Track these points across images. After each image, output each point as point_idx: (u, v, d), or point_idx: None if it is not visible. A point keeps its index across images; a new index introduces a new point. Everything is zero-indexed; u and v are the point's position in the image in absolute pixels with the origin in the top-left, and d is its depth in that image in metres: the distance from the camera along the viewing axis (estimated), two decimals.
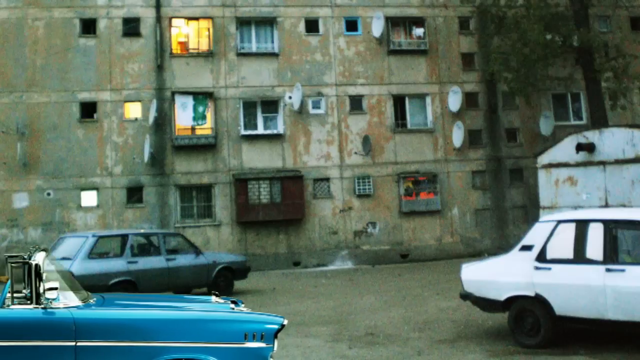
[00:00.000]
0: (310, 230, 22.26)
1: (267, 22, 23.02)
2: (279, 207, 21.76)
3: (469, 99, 23.84)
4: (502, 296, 9.00)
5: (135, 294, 7.49)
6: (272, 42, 23.04)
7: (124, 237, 14.82)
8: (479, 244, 23.15)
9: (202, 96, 22.08)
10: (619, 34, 24.38)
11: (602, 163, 15.86)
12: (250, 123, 22.56)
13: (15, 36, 21.42)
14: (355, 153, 22.81)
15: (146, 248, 15.22)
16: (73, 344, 5.50)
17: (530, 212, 22.50)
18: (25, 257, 5.83)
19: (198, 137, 21.95)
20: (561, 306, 8.44)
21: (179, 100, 21.91)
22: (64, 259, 13.76)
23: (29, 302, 5.69)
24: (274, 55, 22.83)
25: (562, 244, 8.61)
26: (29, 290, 5.74)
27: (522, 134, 24.11)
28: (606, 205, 15.51)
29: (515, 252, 9.16)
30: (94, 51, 21.77)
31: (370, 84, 23.25)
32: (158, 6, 22.19)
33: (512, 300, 8.91)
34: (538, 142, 23.24)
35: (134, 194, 21.58)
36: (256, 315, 6.15)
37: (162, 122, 21.81)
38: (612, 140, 15.78)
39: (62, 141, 21.29)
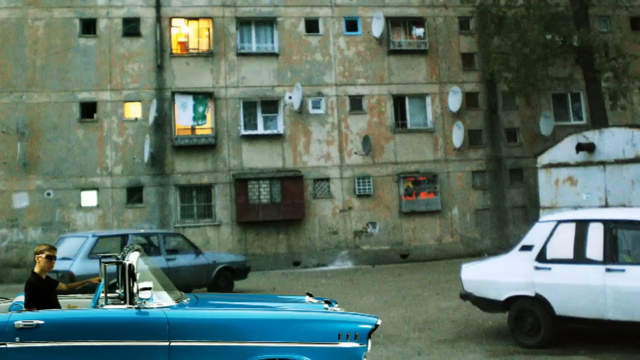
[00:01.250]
0: (310, 230, 22.27)
1: (267, 22, 23.02)
2: (279, 207, 21.76)
3: (469, 99, 23.84)
4: (502, 296, 9.00)
5: (228, 293, 7.38)
6: (272, 42, 23.04)
7: (124, 237, 14.84)
8: (479, 244, 23.15)
9: (202, 96, 22.08)
10: (619, 34, 24.38)
11: (602, 163, 15.86)
12: (250, 123, 22.56)
13: (15, 36, 21.42)
14: (355, 153, 22.81)
15: (146, 248, 15.20)
16: (167, 344, 5.49)
17: (530, 212, 22.50)
18: (119, 257, 5.86)
19: (198, 137, 21.95)
20: (561, 306, 8.44)
21: (179, 100, 21.91)
22: (64, 259, 13.78)
23: (122, 302, 5.72)
24: (274, 55, 22.83)
25: (562, 244, 8.61)
26: (122, 291, 5.76)
27: (522, 134, 24.11)
28: (606, 205, 15.51)
29: (515, 252, 9.17)
30: (94, 51, 21.77)
31: (370, 84, 23.25)
32: (158, 6, 22.19)
33: (512, 300, 8.92)
34: (538, 142, 23.24)
35: (134, 194, 21.58)
36: (350, 315, 6.08)
37: (162, 122, 21.81)
38: (612, 140, 15.78)
39: (62, 141, 21.29)
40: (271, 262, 21.70)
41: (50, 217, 20.95)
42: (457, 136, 23.16)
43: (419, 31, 23.97)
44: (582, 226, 8.55)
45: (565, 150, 16.73)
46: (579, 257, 8.45)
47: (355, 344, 5.67)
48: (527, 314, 8.78)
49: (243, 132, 22.27)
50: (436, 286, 15.40)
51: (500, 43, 22.65)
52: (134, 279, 5.66)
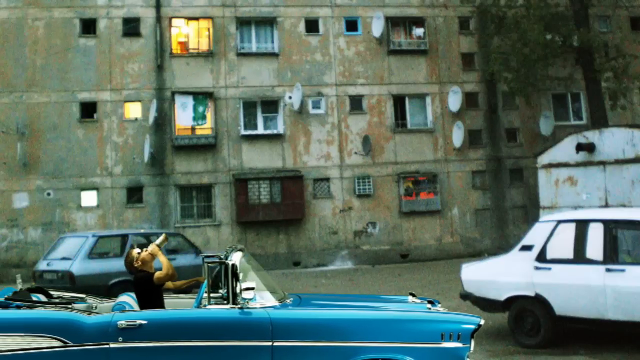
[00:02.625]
0: (310, 230, 22.27)
1: (267, 22, 23.02)
2: (279, 207, 21.76)
3: (469, 99, 23.84)
4: (502, 296, 9.00)
5: (332, 293, 7.38)
6: (272, 42, 23.04)
7: (124, 237, 14.84)
8: (479, 244, 23.15)
9: (202, 96, 22.08)
10: (619, 34, 24.38)
11: (602, 163, 15.86)
12: (250, 123, 22.56)
13: (15, 36, 21.42)
14: (355, 153, 22.81)
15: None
16: (270, 344, 5.49)
17: (530, 212, 22.50)
18: (222, 257, 5.85)
19: (198, 137, 21.95)
20: (561, 306, 8.44)
21: (179, 100, 21.91)
22: (64, 259, 13.82)
23: (225, 302, 5.71)
24: (274, 55, 22.83)
25: (562, 244, 8.62)
26: (225, 291, 5.76)
27: (522, 134, 24.11)
28: (606, 205, 15.51)
29: (515, 252, 9.17)
30: (94, 51, 21.77)
31: (370, 84, 23.25)
32: (158, 6, 22.19)
33: (512, 300, 8.92)
34: (538, 142, 23.24)
35: (134, 194, 21.58)
36: (453, 315, 6.07)
37: (162, 122, 21.81)
38: (612, 140, 15.78)
39: (62, 141, 21.29)
40: (271, 262, 21.68)
41: (50, 217, 20.95)
42: (457, 136, 23.15)
43: (419, 31, 23.97)
44: (582, 226, 8.56)
45: (565, 150, 16.73)
46: (579, 257, 8.46)
47: (458, 344, 5.65)
48: (527, 314, 8.79)
49: (243, 132, 22.26)
50: (436, 286, 15.40)
51: (500, 43, 22.65)
52: (237, 279, 5.66)
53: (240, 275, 5.70)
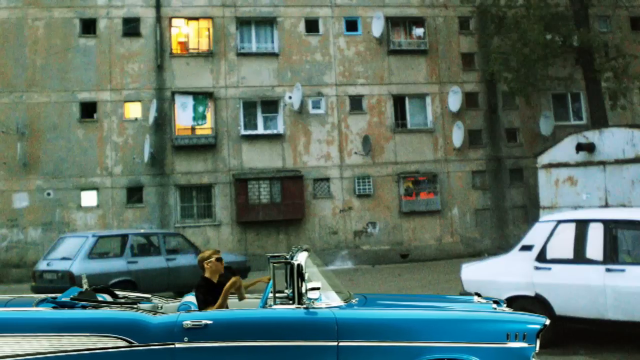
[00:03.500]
0: (310, 230, 22.27)
1: (267, 22, 23.02)
2: (279, 207, 21.76)
3: (469, 99, 23.84)
4: (502, 296, 8.97)
5: (397, 293, 7.37)
6: (272, 42, 23.04)
7: (124, 237, 14.84)
8: (479, 244, 23.15)
9: (202, 96, 22.08)
10: (619, 34, 24.38)
11: (602, 163, 15.86)
12: (250, 123, 22.55)
13: (15, 36, 21.42)
14: (355, 153, 22.81)
15: (146, 248, 15.23)
16: (335, 344, 5.48)
17: (530, 212, 22.49)
18: (287, 257, 5.86)
19: (198, 137, 21.95)
20: (561, 306, 8.44)
21: (179, 100, 21.91)
22: (64, 259, 13.82)
23: (291, 302, 5.71)
24: (274, 55, 22.83)
25: (562, 244, 8.62)
26: (291, 291, 5.76)
27: (522, 134, 24.10)
28: (606, 205, 15.51)
29: (515, 252, 9.17)
30: (94, 51, 21.77)
31: (370, 84, 23.25)
32: (158, 6, 22.19)
33: (512, 300, 8.91)
34: (538, 142, 23.24)
35: (134, 194, 21.58)
36: (518, 315, 6.06)
37: (162, 122, 21.81)
38: (612, 140, 15.78)
39: (62, 141, 21.29)
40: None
41: (50, 217, 20.95)
42: (457, 136, 23.15)
43: (419, 31, 23.97)
44: (582, 226, 8.55)
45: (565, 150, 16.73)
46: (579, 257, 8.46)
47: (524, 344, 5.64)
48: None
49: (243, 132, 22.26)
50: (436, 286, 15.39)
51: (500, 43, 22.65)
52: (303, 279, 5.65)
53: (306, 275, 5.69)
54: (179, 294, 14.58)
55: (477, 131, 23.82)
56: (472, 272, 9.62)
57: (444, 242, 23.06)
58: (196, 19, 22.60)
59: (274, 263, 5.79)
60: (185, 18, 22.55)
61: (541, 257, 8.71)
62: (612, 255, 8.14)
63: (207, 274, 6.28)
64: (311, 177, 22.42)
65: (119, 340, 5.46)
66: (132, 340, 5.46)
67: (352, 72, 23.18)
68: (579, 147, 16.10)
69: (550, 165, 17.08)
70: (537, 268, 8.69)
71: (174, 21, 22.48)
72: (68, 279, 13.32)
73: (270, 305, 5.73)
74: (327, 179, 22.62)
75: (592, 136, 16.26)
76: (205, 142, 21.91)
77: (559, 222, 8.86)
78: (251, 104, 22.57)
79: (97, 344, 5.44)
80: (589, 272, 8.21)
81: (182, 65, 22.26)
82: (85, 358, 5.42)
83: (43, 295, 6.57)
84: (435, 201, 23.13)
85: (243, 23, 22.88)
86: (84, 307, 5.87)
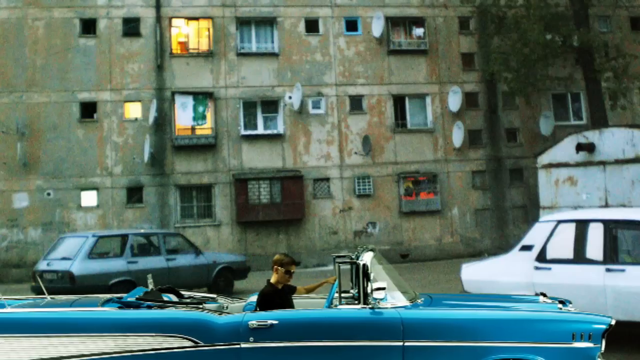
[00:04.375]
0: (310, 230, 22.27)
1: (267, 22, 23.02)
2: (279, 207, 21.76)
3: (469, 99, 23.84)
4: None
5: (462, 293, 7.36)
6: (272, 42, 23.03)
7: (124, 237, 14.86)
8: (479, 244, 23.15)
9: (202, 96, 22.08)
10: (619, 34, 24.37)
11: (602, 163, 15.86)
12: (250, 123, 22.55)
13: (15, 36, 21.42)
14: (355, 153, 22.81)
15: (146, 248, 15.23)
16: (401, 343, 5.48)
17: (530, 212, 22.49)
18: (353, 257, 5.85)
19: (198, 137, 21.95)
20: None
21: (179, 100, 21.91)
22: (64, 259, 13.82)
23: (356, 302, 5.70)
24: (274, 55, 22.83)
25: (562, 244, 8.62)
26: (356, 291, 5.75)
27: (522, 134, 24.10)
28: (606, 205, 15.51)
29: (515, 252, 9.17)
30: (94, 51, 21.77)
31: (370, 84, 23.25)
32: (158, 6, 22.18)
33: None
34: (538, 142, 23.23)
35: (134, 194, 21.58)
36: (584, 315, 6.01)
37: (162, 122, 21.81)
38: (612, 140, 15.78)
39: (62, 141, 21.29)
40: (271, 262, 21.65)
41: (50, 217, 20.95)
42: (457, 136, 23.15)
43: (419, 31, 23.97)
44: (582, 226, 8.56)
45: (565, 150, 16.73)
46: (579, 257, 8.46)
47: (589, 344, 5.61)
48: None
49: (243, 132, 22.26)
50: (436, 286, 15.38)
51: (500, 43, 22.65)
52: (368, 279, 5.65)
53: (371, 275, 5.68)
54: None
55: (477, 131, 23.82)
56: (472, 272, 9.62)
57: (444, 242, 23.06)
58: (196, 19, 22.60)
59: (340, 263, 5.79)
60: (185, 18, 22.55)
61: (541, 257, 8.71)
62: (612, 255, 8.14)
63: (273, 279, 6.25)
64: (311, 177, 22.41)
65: (185, 340, 5.47)
66: (197, 341, 5.47)
67: (352, 72, 23.18)
68: (579, 147, 16.10)
69: (550, 165, 17.08)
70: (537, 268, 8.69)
71: (174, 21, 22.48)
72: (68, 279, 13.33)
73: (336, 306, 5.72)
74: (327, 179, 22.62)
75: (592, 136, 16.26)
76: (205, 142, 21.91)
77: (559, 222, 8.86)
78: (251, 104, 22.57)
79: (163, 344, 5.46)
80: (589, 272, 8.21)
81: (182, 65, 22.26)
82: (150, 358, 5.44)
83: (109, 295, 6.62)
84: (435, 201, 23.13)
85: (243, 23, 22.87)
86: (149, 307, 5.88)
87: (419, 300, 6.06)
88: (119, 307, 5.93)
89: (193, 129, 22.03)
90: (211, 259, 15.80)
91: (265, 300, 5.95)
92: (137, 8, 22.14)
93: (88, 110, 21.68)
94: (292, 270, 6.29)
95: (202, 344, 5.46)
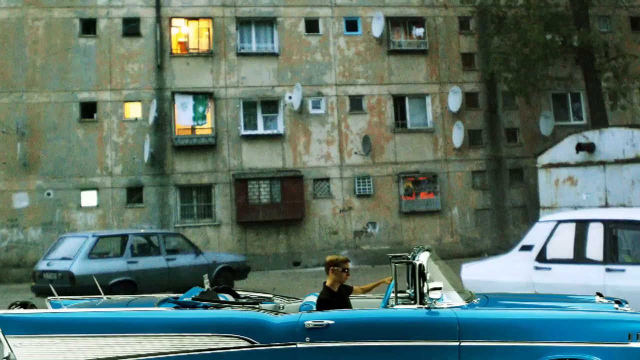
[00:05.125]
0: (310, 230, 22.26)
1: (267, 22, 23.02)
2: (279, 207, 21.76)
3: (469, 99, 23.84)
4: None
5: (519, 293, 7.38)
6: (272, 42, 23.03)
7: (124, 237, 14.85)
8: (479, 244, 23.15)
9: (202, 96, 22.08)
10: (619, 34, 24.38)
11: (602, 163, 15.86)
12: (250, 123, 22.56)
13: (15, 36, 21.42)
14: (355, 153, 22.81)
15: (146, 248, 15.23)
16: (457, 343, 5.48)
17: (530, 212, 22.49)
18: (409, 257, 5.85)
19: (198, 137, 21.95)
20: None
21: (179, 100, 21.91)
22: (64, 259, 13.82)
23: (412, 302, 5.71)
24: (274, 55, 22.83)
25: (562, 244, 8.61)
26: (412, 291, 5.75)
27: (522, 134, 24.10)
28: (606, 205, 15.51)
29: (515, 252, 9.16)
30: (94, 51, 21.77)
31: (370, 84, 23.25)
32: (158, 6, 22.18)
33: None
34: (538, 142, 23.23)
35: (134, 194, 21.58)
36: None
37: (162, 122, 21.81)
38: (612, 140, 15.79)
39: (62, 141, 21.29)
40: (271, 262, 21.70)
41: (50, 217, 20.94)
42: (457, 136, 23.15)
43: (419, 31, 23.97)
44: (582, 226, 8.55)
45: (565, 150, 16.73)
46: (579, 257, 8.45)
47: None
48: None
49: (243, 132, 22.26)
50: None
51: (500, 43, 22.65)
52: (424, 279, 5.65)
53: (428, 275, 5.69)
54: (179, 293, 14.59)
55: (477, 131, 23.82)
56: (472, 272, 9.62)
57: (444, 242, 23.05)
58: (196, 19, 22.60)
59: (396, 263, 5.79)
60: (185, 18, 22.55)
61: (541, 257, 8.71)
62: (612, 255, 8.13)
63: (328, 282, 6.23)
64: (311, 177, 22.41)
65: (241, 340, 5.48)
66: (254, 341, 5.48)
67: (352, 72, 23.18)
68: (579, 147, 16.11)
69: (550, 165, 17.08)
70: (537, 268, 8.68)
71: (174, 21, 22.48)
72: (68, 279, 13.33)
73: (392, 305, 5.73)
74: (327, 179, 22.62)
75: (592, 136, 16.26)
76: (205, 142, 21.91)
77: (559, 222, 8.85)
78: (251, 104, 22.56)
79: (219, 344, 5.48)
80: (589, 272, 8.20)
81: (182, 65, 22.26)
82: (206, 358, 5.46)
83: (165, 295, 6.64)
84: (435, 201, 23.13)
85: (243, 23, 22.87)
86: (205, 307, 5.89)
87: (475, 300, 6.05)
88: (175, 307, 5.95)
89: (193, 129, 22.03)
90: (211, 259, 15.79)
91: (324, 306, 5.93)
92: (137, 8, 22.14)
93: (88, 110, 21.68)
94: (347, 268, 6.28)
95: (259, 344, 5.48)
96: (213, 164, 22.01)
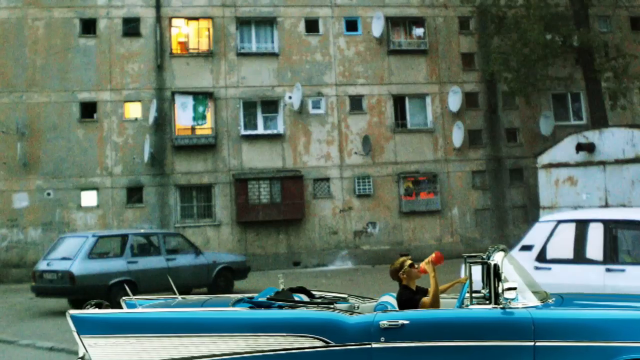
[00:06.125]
0: (310, 230, 22.27)
1: (267, 22, 23.02)
2: (279, 207, 21.76)
3: (469, 99, 23.84)
4: None
5: (594, 293, 7.37)
6: (272, 42, 23.04)
7: (124, 237, 14.85)
8: (479, 244, 23.14)
9: (202, 96, 22.08)
10: (619, 34, 24.38)
11: (602, 163, 15.86)
12: (250, 123, 22.56)
13: (15, 36, 21.42)
14: (355, 153, 22.81)
15: (146, 248, 15.23)
16: (532, 343, 5.46)
17: (530, 212, 22.49)
18: (484, 257, 5.84)
19: (198, 137, 21.95)
20: None
21: (179, 100, 21.91)
22: (64, 259, 13.82)
23: (487, 302, 5.69)
24: (274, 55, 22.83)
25: (562, 244, 8.60)
26: (487, 291, 5.73)
27: (522, 134, 24.11)
28: (606, 205, 15.51)
29: (515, 252, 9.15)
30: (94, 51, 21.77)
31: (370, 84, 23.25)
32: (158, 6, 22.18)
33: None
34: (538, 142, 23.23)
35: (134, 194, 21.58)
36: None
37: (162, 122, 21.81)
38: (612, 140, 15.78)
39: (62, 141, 21.29)
40: (271, 262, 21.69)
41: (50, 217, 20.95)
42: (457, 136, 23.16)
43: (419, 31, 23.97)
44: (582, 226, 8.54)
45: (565, 150, 16.72)
46: (579, 257, 8.44)
47: None
48: None
49: (243, 132, 22.26)
50: None
51: (500, 43, 22.65)
52: (499, 279, 5.63)
53: (502, 275, 5.67)
54: (180, 294, 14.58)
55: (477, 131, 23.83)
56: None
57: (444, 242, 23.05)
58: (196, 19, 22.60)
59: (471, 263, 5.79)
60: (185, 18, 22.56)
61: (541, 257, 8.70)
62: (612, 255, 8.13)
63: (405, 282, 6.19)
64: (311, 177, 22.42)
65: (316, 340, 5.46)
66: (329, 341, 5.45)
67: (352, 72, 23.18)
68: (579, 147, 16.10)
69: (550, 165, 17.07)
70: (537, 268, 8.67)
71: (174, 21, 22.49)
72: (68, 279, 13.33)
73: (467, 306, 5.71)
74: (327, 179, 22.62)
75: (592, 136, 16.26)
76: (205, 142, 21.91)
77: (559, 222, 8.85)
78: (251, 104, 22.57)
79: (294, 344, 5.46)
80: (589, 272, 8.19)
81: (182, 65, 22.26)
82: (281, 358, 5.45)
83: (240, 295, 6.65)
84: (435, 201, 23.13)
85: (243, 23, 22.87)
86: (280, 307, 5.88)
87: (550, 300, 6.02)
88: (250, 307, 5.94)
89: (193, 129, 22.03)
90: (211, 259, 15.80)
91: (405, 305, 5.92)
92: (137, 8, 22.14)
93: (88, 110, 21.68)
94: (412, 262, 6.24)
95: (333, 344, 5.45)
96: (213, 164, 22.02)
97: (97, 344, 5.51)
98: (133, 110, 21.91)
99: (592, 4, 22.53)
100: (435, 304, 5.92)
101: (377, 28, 23.09)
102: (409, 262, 6.21)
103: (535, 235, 8.95)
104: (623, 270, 7.96)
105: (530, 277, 6.47)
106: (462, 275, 9.87)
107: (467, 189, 23.51)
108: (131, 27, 22.04)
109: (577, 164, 16.35)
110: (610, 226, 8.24)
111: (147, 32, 22.08)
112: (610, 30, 24.57)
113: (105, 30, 21.91)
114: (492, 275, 5.68)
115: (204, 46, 22.53)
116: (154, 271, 14.32)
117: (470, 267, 5.77)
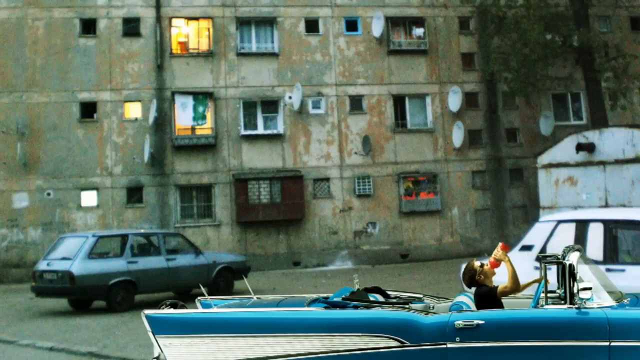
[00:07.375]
0: (310, 230, 22.26)
1: (267, 22, 23.02)
2: (279, 207, 21.76)
3: (469, 99, 23.84)
4: None
5: None
6: (272, 42, 23.04)
7: (124, 237, 14.85)
8: (479, 244, 23.15)
9: (202, 96, 22.08)
10: (619, 34, 24.38)
11: (602, 163, 15.85)
12: (250, 123, 22.56)
13: (15, 36, 21.42)
14: (355, 153, 22.81)
15: (146, 248, 15.23)
16: (607, 344, 5.42)
17: (530, 212, 22.49)
18: (559, 257, 5.82)
19: (198, 137, 21.95)
20: None
21: (179, 100, 21.91)
22: (64, 259, 13.82)
23: (562, 302, 5.67)
24: (274, 55, 22.83)
25: (562, 244, 8.59)
26: (562, 291, 5.72)
27: (522, 134, 24.10)
28: (606, 205, 15.50)
29: (515, 252, 9.15)
30: (94, 51, 21.77)
31: (370, 84, 23.25)
32: (158, 6, 22.18)
33: None
34: (538, 142, 23.22)
35: (134, 194, 21.58)
36: None
37: (162, 122, 21.81)
38: (612, 140, 15.77)
39: (62, 141, 21.29)
40: (271, 262, 21.69)
41: (50, 217, 20.94)
42: (457, 136, 23.15)
43: (419, 31, 23.97)
44: (582, 226, 8.55)
45: (565, 150, 16.72)
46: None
47: None
48: None
49: (243, 132, 22.26)
50: (436, 286, 15.38)
51: (500, 43, 22.65)
52: (574, 279, 5.61)
53: (577, 275, 5.66)
54: (180, 294, 14.61)
55: (477, 131, 23.82)
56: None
57: (444, 242, 23.06)
58: (196, 19, 22.60)
59: (546, 263, 5.78)
60: (185, 18, 22.55)
61: None
62: (612, 255, 8.13)
63: (483, 282, 6.19)
64: (311, 177, 22.41)
65: (391, 341, 5.45)
66: (404, 341, 5.44)
67: (352, 72, 23.18)
68: (579, 147, 16.09)
69: (550, 165, 17.07)
70: (537, 268, 8.67)
71: (174, 21, 22.48)
72: (68, 279, 13.33)
73: (542, 306, 5.70)
74: (327, 179, 22.61)
75: (592, 136, 16.25)
76: (205, 142, 21.91)
77: (559, 222, 8.85)
78: (251, 104, 22.57)
79: (369, 344, 5.44)
80: None
81: (182, 65, 22.26)
82: (356, 358, 5.44)
83: (315, 295, 6.64)
84: (435, 201, 23.13)
85: (243, 23, 22.87)
86: (355, 307, 5.86)
87: (625, 300, 5.99)
88: (325, 307, 5.93)
89: (193, 129, 22.03)
90: (211, 259, 15.79)
91: (484, 302, 5.92)
92: (137, 8, 22.14)
93: (88, 110, 21.68)
94: (482, 263, 6.25)
95: (409, 344, 5.44)
96: (213, 164, 22.01)
97: (172, 344, 5.52)
98: (133, 110, 21.90)
99: (592, 4, 22.53)
100: (514, 285, 5.94)
101: (377, 28, 23.09)
102: (478, 263, 6.23)
103: (535, 235, 8.95)
104: (623, 270, 7.96)
105: (605, 277, 6.45)
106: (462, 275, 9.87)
107: (467, 189, 23.51)
108: (131, 27, 22.04)
109: (577, 164, 16.35)
110: (610, 226, 8.24)
111: (147, 32, 22.08)
112: (610, 30, 24.57)
113: (105, 30, 21.91)
114: (568, 275, 5.66)
115: (204, 46, 22.53)
116: (154, 271, 14.34)
117: (545, 267, 5.77)
